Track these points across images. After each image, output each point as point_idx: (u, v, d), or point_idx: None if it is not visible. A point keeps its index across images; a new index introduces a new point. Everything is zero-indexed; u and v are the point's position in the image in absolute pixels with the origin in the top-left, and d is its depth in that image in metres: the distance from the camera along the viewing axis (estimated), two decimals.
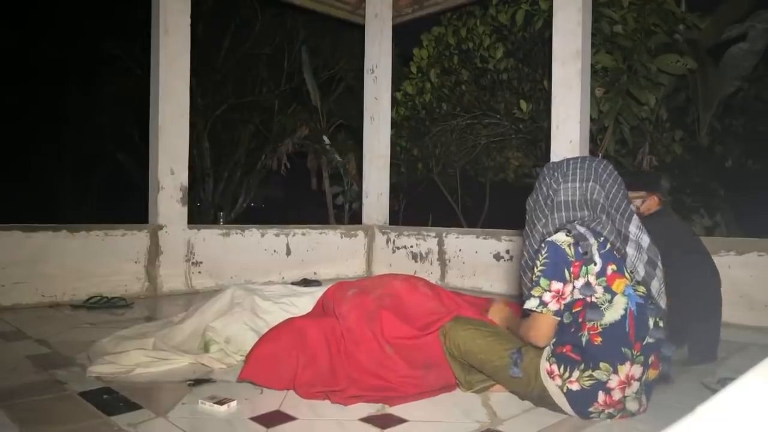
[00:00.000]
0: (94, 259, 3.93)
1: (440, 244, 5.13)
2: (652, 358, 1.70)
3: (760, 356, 0.54)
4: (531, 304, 1.70)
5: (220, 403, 1.82)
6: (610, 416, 1.72)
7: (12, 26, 10.61)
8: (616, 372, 1.64)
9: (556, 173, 1.85)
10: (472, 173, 7.86)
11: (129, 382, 2.08)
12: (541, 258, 1.70)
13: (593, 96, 4.58)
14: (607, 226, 1.71)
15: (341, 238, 5.54)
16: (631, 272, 1.70)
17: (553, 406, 1.77)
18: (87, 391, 1.96)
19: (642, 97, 4.82)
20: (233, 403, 1.84)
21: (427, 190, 8.34)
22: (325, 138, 8.71)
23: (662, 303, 1.75)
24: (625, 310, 1.66)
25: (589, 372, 1.66)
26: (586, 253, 1.65)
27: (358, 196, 7.51)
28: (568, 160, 1.89)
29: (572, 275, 1.66)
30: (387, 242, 5.62)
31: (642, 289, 1.71)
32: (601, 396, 1.66)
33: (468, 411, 1.85)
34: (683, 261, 2.39)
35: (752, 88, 5.95)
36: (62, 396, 1.93)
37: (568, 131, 4.07)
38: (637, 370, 1.66)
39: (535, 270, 1.70)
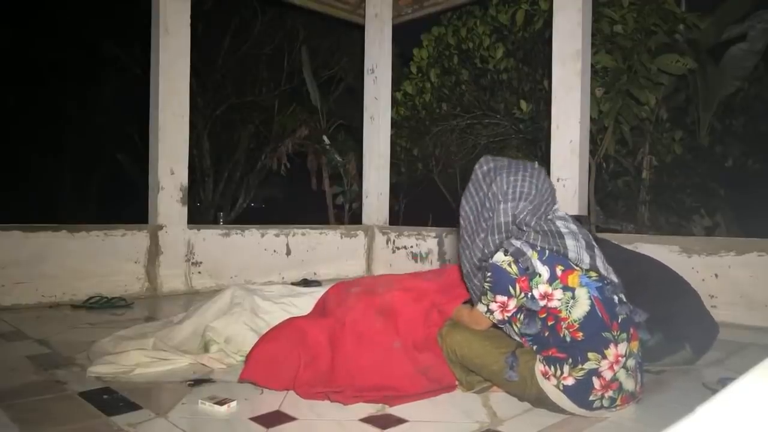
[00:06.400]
0: (94, 259, 3.93)
1: (440, 244, 5.13)
2: (631, 332, 1.77)
3: (760, 356, 0.54)
4: (480, 309, 1.87)
5: (220, 403, 1.82)
6: (612, 401, 1.73)
7: (12, 26, 10.60)
8: (605, 357, 1.70)
9: (495, 186, 1.84)
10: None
11: (129, 382, 2.08)
12: (487, 277, 1.82)
13: (593, 96, 4.57)
14: (539, 236, 1.78)
15: (341, 238, 5.54)
16: (578, 264, 1.76)
17: (554, 407, 1.77)
18: (87, 391, 1.96)
19: (642, 97, 4.82)
20: (233, 403, 1.84)
21: (427, 190, 8.33)
22: (325, 138, 8.70)
23: (613, 278, 1.83)
24: (590, 298, 1.73)
25: (580, 366, 1.70)
26: (527, 268, 1.74)
27: (358, 196, 7.50)
28: (508, 173, 1.85)
29: (521, 289, 1.76)
30: (387, 242, 5.62)
31: (594, 273, 1.77)
32: (596, 381, 1.70)
33: (468, 411, 1.85)
34: (654, 276, 2.53)
35: (752, 88, 5.94)
36: (62, 396, 1.93)
37: (568, 131, 4.07)
38: (622, 348, 1.72)
39: (484, 284, 1.83)
